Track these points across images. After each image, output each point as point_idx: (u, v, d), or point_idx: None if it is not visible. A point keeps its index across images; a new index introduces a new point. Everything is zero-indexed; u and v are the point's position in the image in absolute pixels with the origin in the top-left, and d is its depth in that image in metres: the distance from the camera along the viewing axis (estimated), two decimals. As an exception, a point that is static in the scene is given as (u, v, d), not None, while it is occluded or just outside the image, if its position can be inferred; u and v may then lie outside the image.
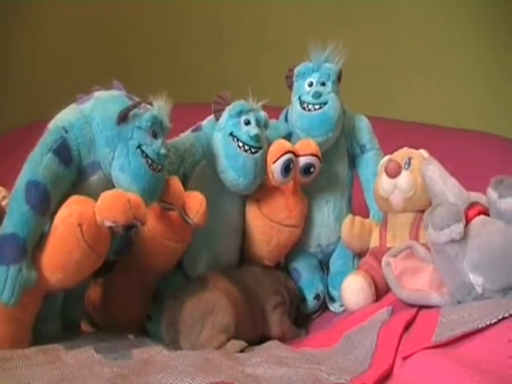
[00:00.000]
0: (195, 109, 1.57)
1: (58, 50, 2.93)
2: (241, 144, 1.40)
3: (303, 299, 1.55)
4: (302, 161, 1.44)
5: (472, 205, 1.15)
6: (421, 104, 2.53)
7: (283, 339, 1.39)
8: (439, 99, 2.55)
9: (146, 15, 3.01)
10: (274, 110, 1.58)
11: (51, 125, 1.27)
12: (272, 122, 1.54)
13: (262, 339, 1.40)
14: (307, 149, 1.45)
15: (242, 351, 1.28)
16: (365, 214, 1.57)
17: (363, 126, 1.60)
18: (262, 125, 1.43)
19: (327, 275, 1.60)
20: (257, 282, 1.45)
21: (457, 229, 1.09)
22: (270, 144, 1.45)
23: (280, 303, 1.46)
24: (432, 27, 2.56)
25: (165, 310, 1.35)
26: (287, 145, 1.44)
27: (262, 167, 1.43)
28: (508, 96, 2.46)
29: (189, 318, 1.31)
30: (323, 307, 1.58)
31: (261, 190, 1.48)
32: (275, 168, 1.42)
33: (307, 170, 1.45)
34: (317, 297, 1.56)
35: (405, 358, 1.02)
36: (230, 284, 1.38)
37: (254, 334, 1.39)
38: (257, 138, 1.40)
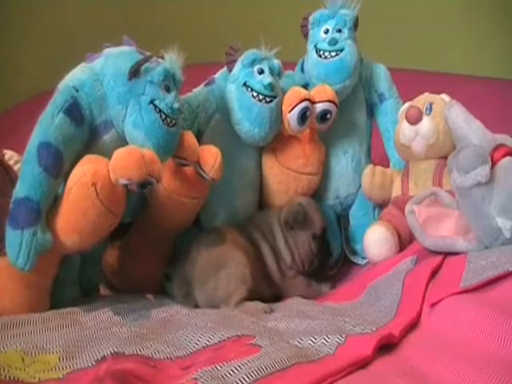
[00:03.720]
0: (208, 68, 1.53)
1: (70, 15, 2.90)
2: (255, 94, 1.37)
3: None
4: (319, 107, 1.41)
5: (498, 147, 1.11)
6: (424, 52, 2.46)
7: (304, 298, 1.37)
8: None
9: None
10: (287, 65, 1.53)
11: (61, 85, 1.24)
12: (287, 72, 1.51)
13: (278, 300, 1.37)
14: (323, 95, 1.42)
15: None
16: (385, 164, 1.54)
17: (381, 73, 1.56)
18: (275, 73, 1.40)
19: (345, 230, 1.57)
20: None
21: (483, 171, 1.06)
22: (285, 93, 1.42)
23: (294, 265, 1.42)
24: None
25: (179, 267, 1.33)
26: (303, 92, 1.41)
27: (278, 116, 1.40)
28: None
29: (201, 271, 1.30)
30: (341, 263, 1.55)
31: (277, 140, 1.45)
32: (291, 117, 1.39)
33: (324, 116, 1.43)
34: (332, 254, 1.52)
35: (432, 306, 1.00)
36: (243, 239, 1.36)
37: (268, 293, 1.36)
38: (271, 86, 1.37)
